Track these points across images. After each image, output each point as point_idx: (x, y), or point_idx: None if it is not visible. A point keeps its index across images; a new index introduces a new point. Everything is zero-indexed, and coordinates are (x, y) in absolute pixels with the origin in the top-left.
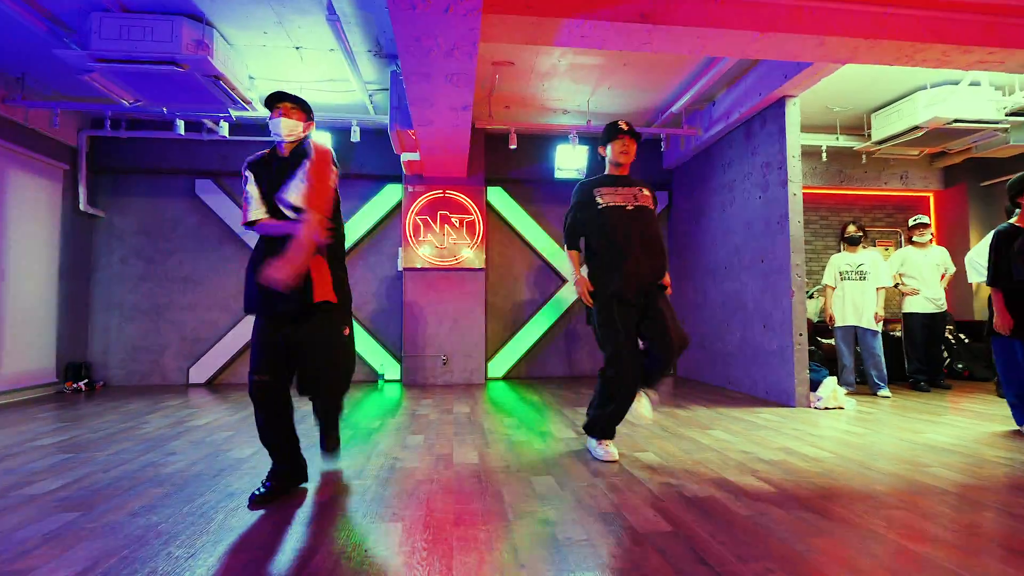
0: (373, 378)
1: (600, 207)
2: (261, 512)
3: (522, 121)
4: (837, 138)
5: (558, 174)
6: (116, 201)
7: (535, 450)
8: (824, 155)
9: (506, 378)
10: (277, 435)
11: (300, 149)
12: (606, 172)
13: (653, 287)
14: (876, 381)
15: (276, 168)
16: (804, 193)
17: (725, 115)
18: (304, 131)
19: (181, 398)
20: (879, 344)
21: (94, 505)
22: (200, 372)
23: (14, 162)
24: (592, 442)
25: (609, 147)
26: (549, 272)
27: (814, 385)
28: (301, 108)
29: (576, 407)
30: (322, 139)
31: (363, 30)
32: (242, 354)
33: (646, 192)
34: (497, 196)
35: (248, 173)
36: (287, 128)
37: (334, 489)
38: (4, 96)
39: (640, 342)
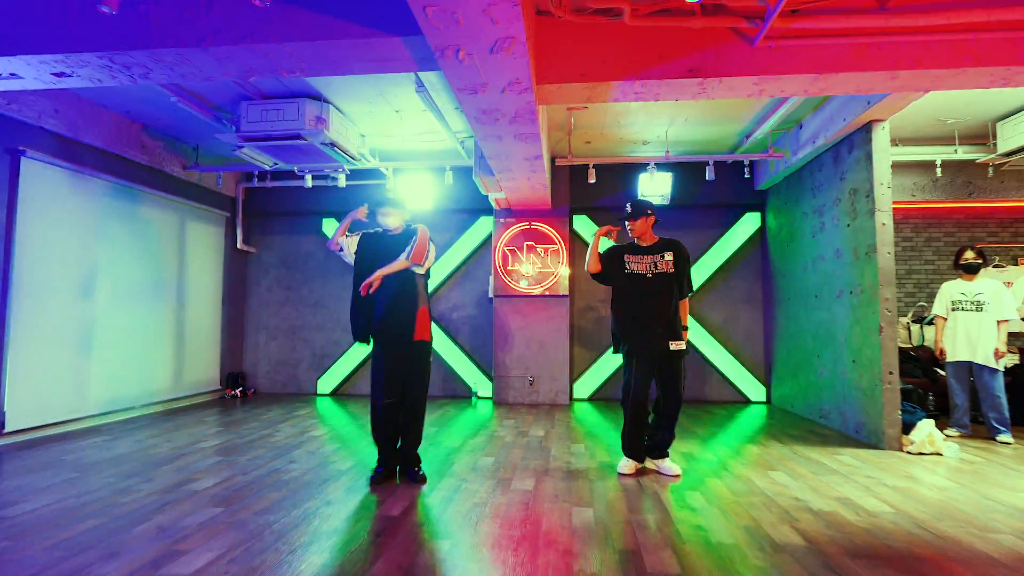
0: (468, 395)
1: (627, 272)
2: (344, 521)
3: (603, 155)
4: (956, 150)
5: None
6: (264, 239)
7: (588, 480)
8: (939, 170)
9: (591, 399)
10: (393, 439)
11: (408, 231)
12: (634, 243)
13: (666, 350)
14: (995, 425)
15: (388, 241)
16: (922, 209)
17: (811, 139)
18: (402, 220)
19: (309, 407)
20: (999, 383)
21: (233, 501)
22: (326, 383)
23: (191, 214)
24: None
25: (626, 225)
26: None
27: (907, 427)
28: (396, 208)
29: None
30: (422, 216)
31: (448, 92)
32: (359, 369)
33: (667, 258)
34: (582, 224)
35: (356, 238)
36: (393, 224)
37: (404, 506)
38: (185, 164)
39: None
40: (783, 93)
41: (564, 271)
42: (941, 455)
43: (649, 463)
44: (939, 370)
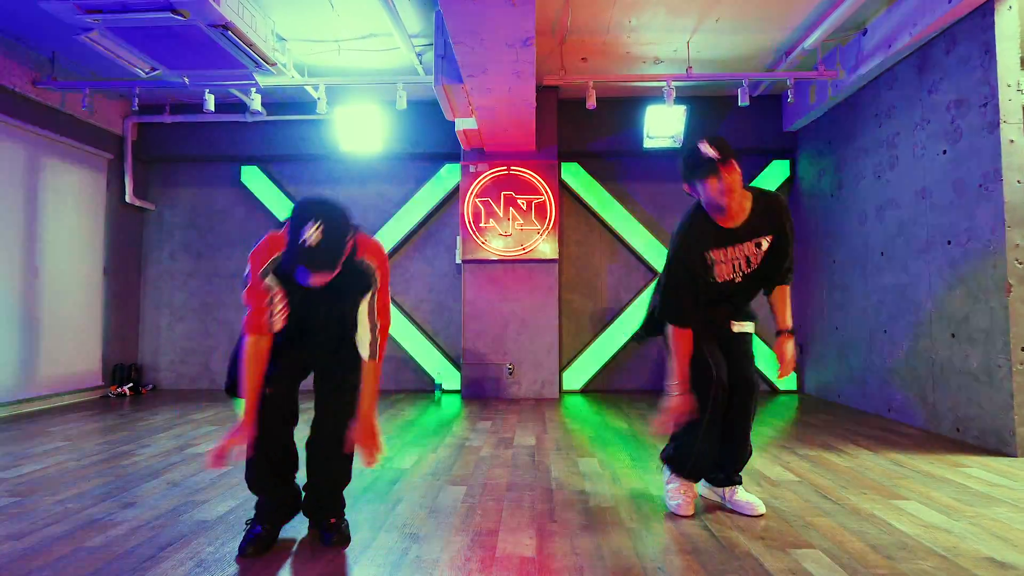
0: (429, 387)
1: (711, 280)
2: None
3: (603, 74)
4: None
5: (648, 143)
6: (165, 192)
7: (625, 531)
8: None
9: (584, 391)
10: (284, 467)
11: (353, 266)
12: (710, 217)
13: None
14: None
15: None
16: None
17: (885, 43)
18: (347, 251)
19: (218, 407)
20: None
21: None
22: None
23: (51, 151)
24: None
25: (701, 188)
26: (637, 263)
27: None
28: (331, 255)
29: None
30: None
31: None
32: None
33: (764, 244)
34: (572, 173)
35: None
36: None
37: None
38: (36, 78)
39: None
40: None
41: (550, 230)
42: None
43: (707, 491)
44: None
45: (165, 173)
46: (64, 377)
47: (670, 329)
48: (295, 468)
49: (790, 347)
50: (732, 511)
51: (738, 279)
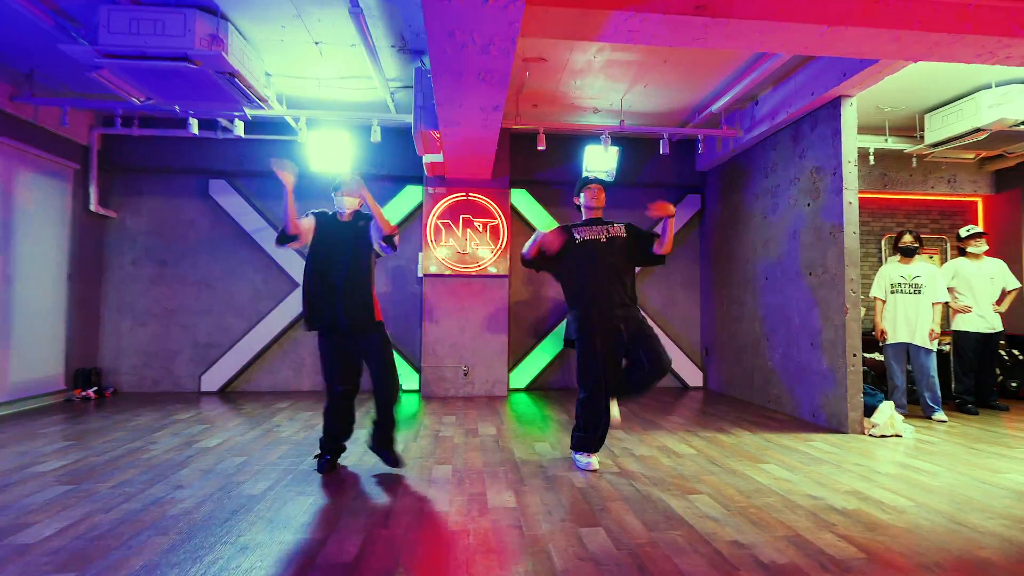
0: None
1: (577, 241)
2: None
3: (551, 120)
4: (887, 140)
5: (586, 175)
6: (128, 201)
7: (578, 490)
8: (872, 158)
9: (528, 389)
10: (346, 431)
11: (358, 216)
12: (583, 218)
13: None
14: (930, 403)
15: (342, 228)
16: None
17: (770, 115)
18: (359, 205)
19: (192, 410)
20: (933, 363)
21: (91, 560)
22: (212, 379)
23: (23, 161)
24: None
25: (583, 195)
26: None
27: (868, 410)
28: (357, 191)
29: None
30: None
31: (387, 24)
32: (256, 361)
33: (617, 226)
34: (521, 198)
35: (309, 219)
36: (350, 207)
37: (358, 542)
38: (13, 93)
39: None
40: (784, 48)
41: (502, 249)
42: (900, 436)
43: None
44: (864, 354)
45: (129, 182)
46: (29, 382)
47: (527, 248)
48: (349, 431)
49: (656, 203)
50: (636, 470)
51: (603, 239)
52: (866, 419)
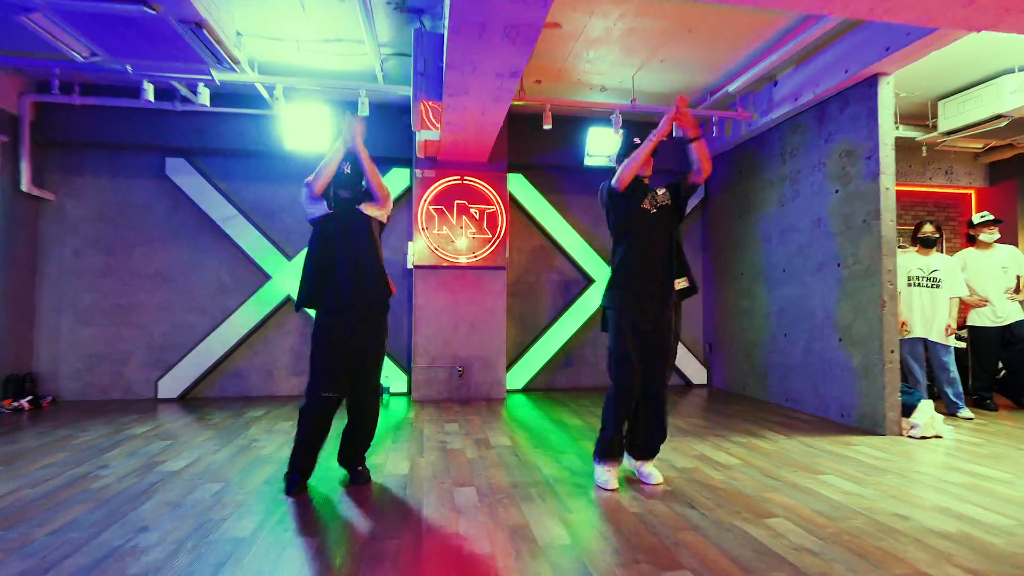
0: None
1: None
2: None
3: (555, 98)
4: (897, 127)
5: (588, 161)
6: (68, 181)
7: (636, 517)
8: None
9: (526, 390)
10: (318, 445)
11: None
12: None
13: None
14: (953, 399)
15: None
16: None
17: (792, 96)
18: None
19: (149, 421)
20: (952, 359)
21: None
22: (171, 385)
23: None
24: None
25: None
26: (574, 270)
27: (906, 410)
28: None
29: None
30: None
31: None
32: (222, 364)
33: (660, 192)
34: (517, 184)
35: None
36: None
37: None
38: None
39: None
40: (844, 9)
41: (500, 239)
42: (941, 437)
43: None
44: None
45: (69, 159)
46: None
47: (622, 168)
48: (323, 440)
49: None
50: (640, 481)
51: (653, 211)
52: (904, 419)
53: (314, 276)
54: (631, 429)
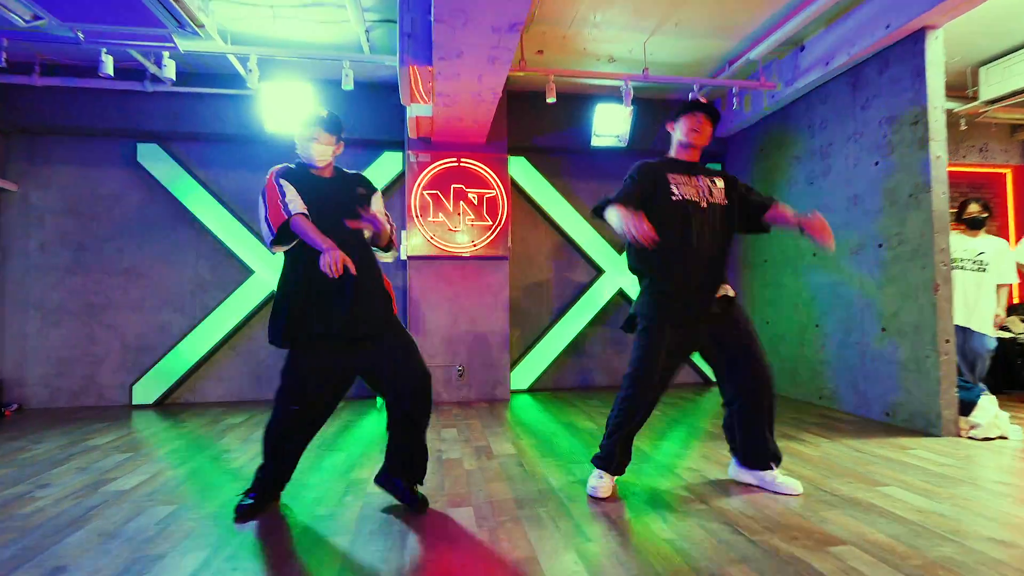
0: (369, 394)
1: (675, 198)
2: None
3: (559, 71)
4: None
5: (595, 141)
6: (31, 171)
7: (668, 543)
8: None
9: (532, 391)
10: (292, 469)
11: (346, 176)
12: (672, 154)
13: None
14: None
15: (324, 186)
16: None
17: (822, 60)
18: (333, 155)
19: (116, 430)
20: (989, 353)
21: None
22: (147, 390)
23: None
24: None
25: (680, 123)
26: (581, 260)
27: (965, 408)
28: (329, 130)
29: (645, 435)
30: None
31: None
32: (203, 366)
33: (720, 185)
34: (519, 167)
35: (284, 182)
36: (320, 155)
37: None
38: None
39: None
40: None
41: (501, 226)
42: (1006, 438)
43: (743, 475)
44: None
45: (31, 147)
46: None
47: (611, 209)
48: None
49: (817, 216)
50: (727, 504)
51: (703, 204)
52: (962, 418)
53: (293, 301)
54: (736, 436)
